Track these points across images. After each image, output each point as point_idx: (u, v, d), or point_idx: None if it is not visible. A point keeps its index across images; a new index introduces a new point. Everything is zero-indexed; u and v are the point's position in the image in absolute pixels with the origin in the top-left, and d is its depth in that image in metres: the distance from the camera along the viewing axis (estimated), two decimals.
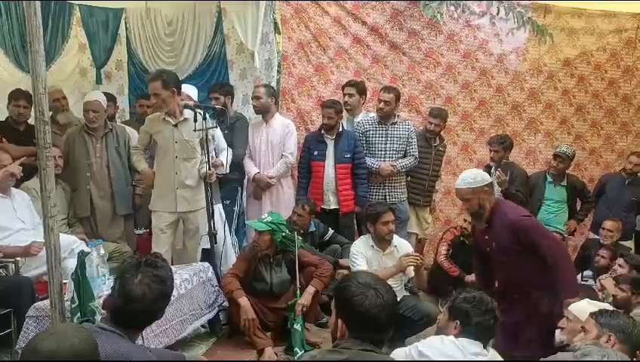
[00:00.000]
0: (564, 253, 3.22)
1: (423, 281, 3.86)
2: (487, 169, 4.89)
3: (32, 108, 4.79)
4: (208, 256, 4.08)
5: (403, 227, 4.58)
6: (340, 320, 1.74)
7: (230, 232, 4.48)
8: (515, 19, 5.34)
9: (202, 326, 3.84)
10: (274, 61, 5.11)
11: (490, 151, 4.80)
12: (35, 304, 3.01)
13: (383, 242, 3.75)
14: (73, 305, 2.48)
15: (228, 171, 4.27)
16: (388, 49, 5.33)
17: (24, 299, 3.13)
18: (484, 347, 2.21)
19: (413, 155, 4.65)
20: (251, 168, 4.59)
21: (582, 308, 2.56)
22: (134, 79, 5.73)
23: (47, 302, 2.97)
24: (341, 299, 1.74)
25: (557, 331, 3.44)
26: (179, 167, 3.84)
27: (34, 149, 4.12)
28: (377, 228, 3.70)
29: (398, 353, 2.30)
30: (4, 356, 3.20)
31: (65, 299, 2.46)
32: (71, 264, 3.16)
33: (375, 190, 4.64)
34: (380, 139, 4.63)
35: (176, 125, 3.81)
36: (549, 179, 4.89)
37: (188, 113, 3.83)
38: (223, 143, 4.30)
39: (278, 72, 5.10)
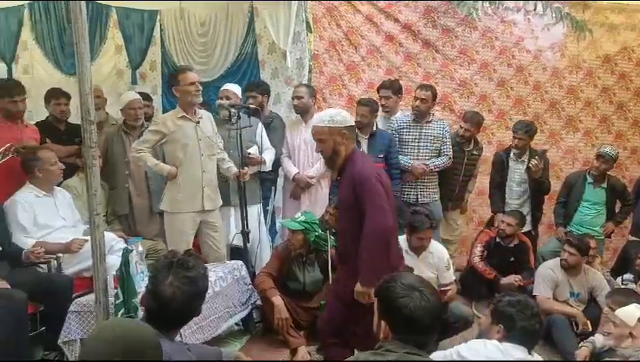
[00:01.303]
0: (380, 237, 2.66)
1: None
2: (507, 153, 4.78)
3: (78, 107, 4.96)
4: (241, 254, 4.11)
5: (435, 229, 4.50)
6: (383, 322, 1.72)
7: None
8: (553, 15, 5.21)
9: (236, 324, 3.87)
10: (305, 60, 5.12)
11: (515, 138, 4.67)
12: (77, 299, 3.08)
13: (417, 248, 3.70)
14: (117, 301, 2.52)
15: (270, 168, 4.27)
16: (421, 47, 5.28)
17: (63, 296, 3.20)
18: (529, 352, 2.15)
19: (447, 155, 4.58)
20: (290, 168, 4.59)
21: (630, 312, 2.48)
22: (168, 80, 5.80)
23: (88, 297, 3.05)
24: (385, 301, 1.71)
25: (599, 336, 3.36)
26: (205, 165, 3.79)
27: (75, 149, 4.26)
28: (411, 238, 3.65)
29: (437, 355, 2.26)
30: (38, 352, 3.24)
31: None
32: (111, 261, 3.23)
33: (407, 189, 4.59)
34: (414, 137, 4.57)
35: (198, 122, 3.79)
36: (589, 179, 4.74)
37: (201, 111, 3.86)
38: (267, 143, 4.33)
39: (310, 71, 5.12)
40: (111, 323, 1.55)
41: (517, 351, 2.12)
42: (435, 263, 3.70)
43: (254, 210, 4.22)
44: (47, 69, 5.77)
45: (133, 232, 4.22)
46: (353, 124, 2.89)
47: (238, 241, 4.11)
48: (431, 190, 4.63)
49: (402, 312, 1.67)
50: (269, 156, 4.35)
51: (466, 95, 5.38)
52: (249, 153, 4.09)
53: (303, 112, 4.59)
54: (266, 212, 4.66)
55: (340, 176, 2.89)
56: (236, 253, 4.21)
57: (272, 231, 4.95)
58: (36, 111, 4.97)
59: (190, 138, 3.73)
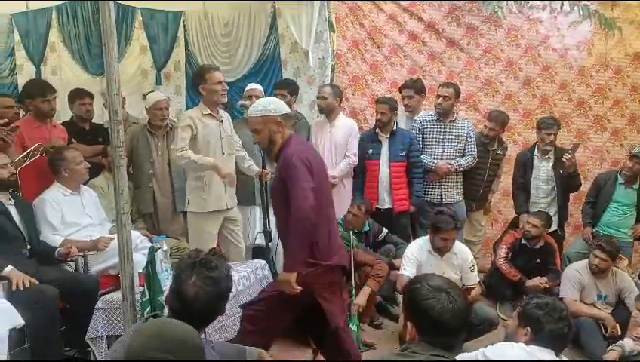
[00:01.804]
0: (300, 219, 2.53)
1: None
2: (531, 152, 4.70)
3: (102, 107, 4.99)
4: (263, 253, 4.12)
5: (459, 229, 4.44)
6: (409, 323, 1.71)
7: None
8: (580, 12, 5.11)
9: None
10: (328, 60, 5.15)
11: (548, 134, 4.56)
12: (104, 297, 3.12)
13: (440, 248, 3.67)
14: (144, 299, 2.55)
15: None
16: (445, 45, 5.25)
17: (89, 296, 3.23)
18: (557, 355, 2.11)
19: (471, 155, 4.53)
20: None
21: None
22: (191, 80, 5.84)
23: (114, 294, 3.10)
24: (411, 302, 1.70)
25: (628, 340, 3.29)
26: (227, 163, 3.81)
27: (101, 148, 4.32)
28: (435, 239, 3.60)
29: (462, 357, 2.23)
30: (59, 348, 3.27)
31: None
32: (136, 259, 3.25)
33: (431, 189, 4.56)
34: (438, 136, 4.54)
35: (221, 121, 3.81)
36: (621, 180, 4.60)
37: (221, 112, 3.88)
38: None
39: (332, 70, 5.12)
40: (153, 321, 1.57)
41: (544, 354, 2.07)
42: (459, 264, 3.66)
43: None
44: (74, 70, 5.87)
45: (157, 231, 4.26)
46: (288, 111, 2.84)
47: (260, 240, 4.13)
48: (455, 190, 4.59)
49: (429, 314, 1.65)
50: None
51: (491, 94, 5.31)
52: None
53: (328, 112, 4.59)
54: None
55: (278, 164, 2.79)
56: (258, 252, 4.23)
57: None
58: (64, 111, 5.06)
59: (214, 136, 3.75)
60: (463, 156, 4.54)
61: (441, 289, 1.67)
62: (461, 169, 4.53)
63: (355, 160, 4.58)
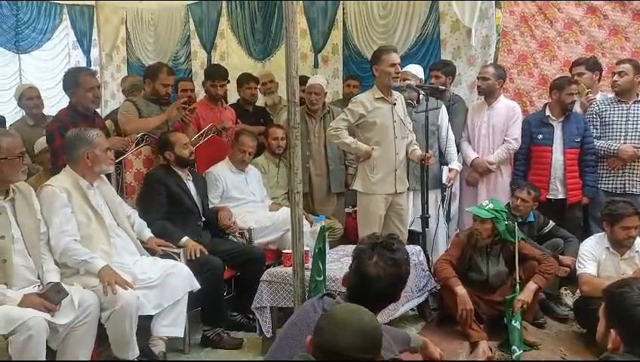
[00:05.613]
0: None
1: None
2: None
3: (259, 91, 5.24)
4: (417, 239, 4.03)
5: None
6: (612, 331, 1.51)
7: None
8: None
9: (411, 309, 3.81)
10: (492, 38, 4.84)
11: None
12: (269, 270, 3.29)
13: (620, 245, 3.28)
14: (319, 278, 2.62)
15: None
16: (630, 18, 4.59)
17: (257, 266, 3.48)
18: None
19: None
20: (470, 152, 4.38)
21: None
22: (348, 62, 5.88)
23: (278, 268, 3.26)
24: (616, 308, 1.50)
25: None
26: (399, 147, 3.76)
27: (263, 129, 4.56)
28: (614, 231, 3.23)
29: None
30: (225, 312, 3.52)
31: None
32: (288, 236, 3.37)
33: (612, 177, 4.10)
34: (620, 119, 4.06)
35: (394, 104, 3.74)
36: None
37: (396, 93, 3.78)
38: (451, 135, 4.19)
39: (496, 49, 4.80)
40: (350, 315, 1.56)
41: None
42: None
43: (433, 195, 4.11)
44: (240, 56, 6.27)
45: (312, 210, 4.39)
46: None
47: (416, 226, 4.05)
48: None
49: (638, 323, 1.45)
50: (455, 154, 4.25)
51: None
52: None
53: (487, 95, 4.32)
54: (443, 197, 4.52)
55: None
56: (411, 237, 4.15)
57: (447, 218, 4.78)
58: (229, 94, 5.43)
59: (387, 119, 3.70)
60: None
61: None
62: None
63: (515, 145, 4.27)
